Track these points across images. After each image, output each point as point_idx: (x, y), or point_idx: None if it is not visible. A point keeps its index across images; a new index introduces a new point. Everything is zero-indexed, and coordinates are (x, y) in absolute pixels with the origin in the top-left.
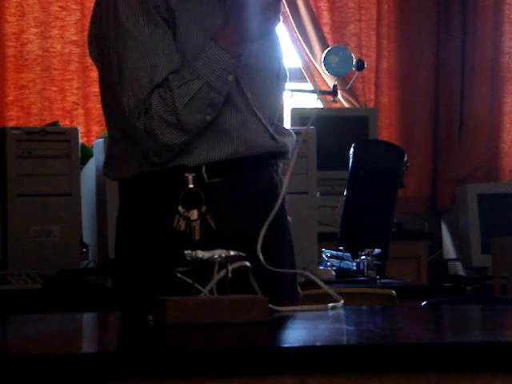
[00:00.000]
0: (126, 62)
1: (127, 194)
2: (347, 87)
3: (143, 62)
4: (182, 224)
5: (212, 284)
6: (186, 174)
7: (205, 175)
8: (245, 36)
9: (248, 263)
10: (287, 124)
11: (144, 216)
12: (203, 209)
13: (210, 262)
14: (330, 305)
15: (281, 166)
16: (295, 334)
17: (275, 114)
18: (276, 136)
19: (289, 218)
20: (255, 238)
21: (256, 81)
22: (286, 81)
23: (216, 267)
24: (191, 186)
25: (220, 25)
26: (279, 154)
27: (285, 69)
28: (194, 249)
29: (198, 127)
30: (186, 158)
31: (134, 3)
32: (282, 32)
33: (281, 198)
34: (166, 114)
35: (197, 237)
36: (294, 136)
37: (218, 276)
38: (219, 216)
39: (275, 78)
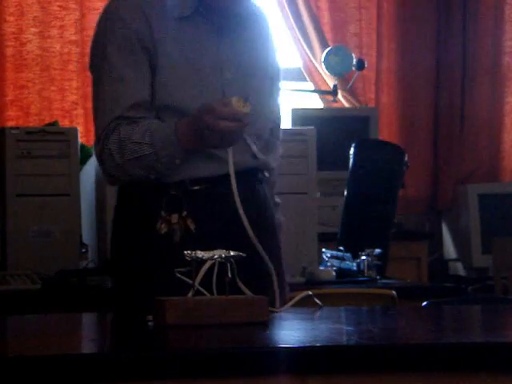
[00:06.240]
0: (98, 84)
1: (120, 195)
2: (347, 87)
3: (111, 87)
4: (164, 227)
5: (213, 284)
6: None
7: (187, 182)
8: (200, 144)
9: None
10: (287, 124)
11: (135, 218)
12: (184, 213)
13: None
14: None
15: (266, 174)
16: (295, 335)
17: (265, 129)
18: (259, 155)
19: (282, 219)
20: (235, 242)
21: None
22: (278, 96)
23: (216, 268)
24: (174, 192)
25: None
26: (260, 168)
27: (278, 86)
28: (175, 250)
29: (142, 179)
30: (168, 176)
31: (118, 28)
32: (282, 32)
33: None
34: (116, 154)
35: (176, 239)
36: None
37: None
38: (201, 220)
39: (267, 96)
